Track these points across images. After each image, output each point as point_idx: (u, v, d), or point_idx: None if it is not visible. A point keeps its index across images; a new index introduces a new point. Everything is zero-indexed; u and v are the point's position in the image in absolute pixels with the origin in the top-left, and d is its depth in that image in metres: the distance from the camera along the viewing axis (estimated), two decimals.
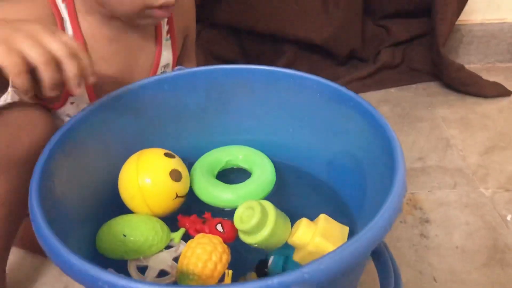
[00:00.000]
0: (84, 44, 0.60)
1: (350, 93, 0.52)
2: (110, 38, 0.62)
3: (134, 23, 0.61)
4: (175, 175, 0.52)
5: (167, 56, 0.68)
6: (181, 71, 0.60)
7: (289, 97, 0.59)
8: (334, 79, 1.18)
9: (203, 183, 0.58)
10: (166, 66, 0.69)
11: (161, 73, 0.69)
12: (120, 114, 0.56)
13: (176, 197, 0.53)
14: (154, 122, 0.59)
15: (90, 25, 0.60)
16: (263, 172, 0.60)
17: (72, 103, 0.63)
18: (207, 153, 0.63)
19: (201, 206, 0.58)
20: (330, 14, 1.09)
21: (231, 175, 0.63)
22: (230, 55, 1.18)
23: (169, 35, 0.68)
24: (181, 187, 0.53)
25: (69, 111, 0.63)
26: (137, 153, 0.54)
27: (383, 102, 1.10)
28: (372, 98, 1.10)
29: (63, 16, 0.58)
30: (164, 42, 0.67)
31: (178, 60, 0.74)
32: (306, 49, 1.17)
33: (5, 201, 0.55)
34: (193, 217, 0.55)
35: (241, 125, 0.63)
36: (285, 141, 0.62)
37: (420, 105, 1.08)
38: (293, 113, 0.59)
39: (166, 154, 0.53)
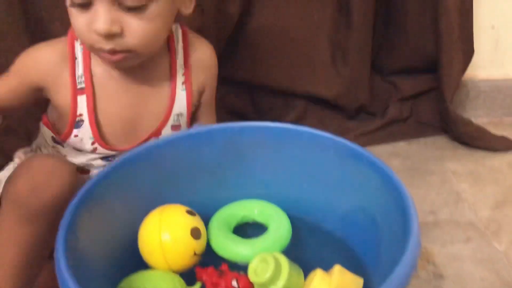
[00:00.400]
0: (91, 80, 0.65)
1: (363, 151, 0.54)
2: (119, 78, 0.66)
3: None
4: (195, 233, 0.54)
5: (180, 105, 0.70)
6: (199, 129, 0.62)
7: (303, 153, 0.61)
8: (343, 132, 1.21)
9: (220, 238, 0.60)
10: (179, 115, 0.70)
11: (175, 121, 0.70)
12: (140, 170, 0.58)
13: (194, 255, 0.54)
14: (172, 178, 0.61)
15: (100, 65, 0.65)
16: (279, 227, 0.61)
17: (76, 135, 0.66)
18: (223, 208, 0.64)
19: (218, 258, 0.58)
20: (338, 70, 1.13)
21: (247, 229, 0.64)
22: (242, 109, 1.21)
23: (184, 85, 0.70)
24: (200, 245, 0.55)
25: (75, 144, 0.67)
26: (159, 208, 0.56)
27: (393, 155, 1.11)
28: (382, 152, 1.12)
29: (76, 55, 0.64)
30: (178, 91, 0.69)
31: (198, 114, 0.76)
32: (316, 103, 1.20)
33: (26, 250, 0.57)
34: (210, 269, 0.55)
35: (256, 179, 0.65)
36: (300, 195, 0.63)
37: (429, 158, 1.10)
38: (307, 168, 0.61)
39: (187, 212, 0.55)
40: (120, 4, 0.56)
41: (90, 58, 0.65)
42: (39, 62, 0.64)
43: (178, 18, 0.72)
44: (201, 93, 0.74)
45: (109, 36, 0.57)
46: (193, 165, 0.63)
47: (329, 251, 0.60)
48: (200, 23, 1.06)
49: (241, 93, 1.22)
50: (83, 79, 0.65)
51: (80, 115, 0.65)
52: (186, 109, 0.71)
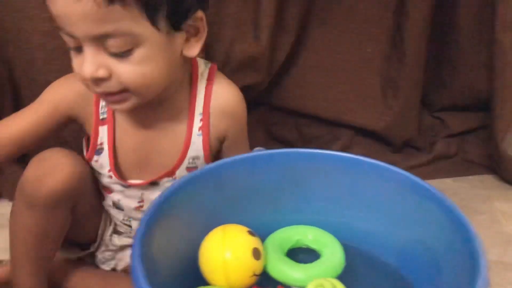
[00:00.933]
0: (113, 111, 0.67)
1: (427, 185, 0.54)
2: (138, 112, 0.66)
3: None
4: (256, 254, 0.55)
5: (196, 149, 0.69)
6: (260, 152, 0.64)
7: (362, 183, 0.62)
8: None
9: (274, 260, 0.60)
10: (195, 158, 0.69)
11: (190, 163, 0.69)
12: (204, 189, 0.60)
13: (253, 275, 0.55)
14: (231, 198, 0.63)
15: None
16: (332, 254, 0.61)
17: (96, 161, 0.69)
18: (278, 231, 0.65)
19: (270, 280, 0.59)
20: (389, 103, 1.14)
21: (299, 254, 0.65)
22: (287, 136, 1.23)
23: (200, 131, 0.68)
24: (259, 266, 0.56)
25: (96, 167, 0.70)
26: (221, 227, 0.57)
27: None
28: None
29: None
30: (195, 136, 0.68)
31: (223, 156, 0.73)
32: (362, 134, 1.21)
33: (32, 232, 0.65)
34: None
35: (312, 206, 0.65)
36: (356, 224, 0.63)
37: (477, 197, 1.08)
38: (365, 198, 0.62)
39: (249, 232, 0.56)
40: (106, 49, 0.55)
41: None
42: (70, 93, 0.66)
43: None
44: (221, 141, 0.72)
45: (96, 80, 0.56)
46: (251, 187, 0.64)
47: (384, 282, 0.60)
48: (255, 51, 1.10)
49: (287, 121, 1.24)
50: (106, 109, 0.67)
51: (101, 143, 0.68)
52: (203, 153, 0.70)
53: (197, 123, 0.68)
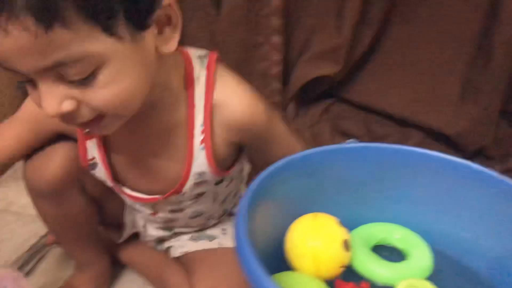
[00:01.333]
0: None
1: None
2: (131, 129, 0.59)
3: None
4: (346, 245, 0.54)
5: (201, 164, 0.63)
6: (355, 145, 0.63)
7: (457, 186, 0.60)
8: None
9: (360, 254, 0.59)
10: (201, 173, 0.64)
11: (197, 179, 0.64)
12: (296, 175, 0.59)
13: (341, 266, 0.54)
14: (321, 188, 0.62)
15: None
16: (421, 257, 0.60)
17: (93, 174, 0.68)
18: (363, 226, 0.64)
19: (352, 275, 0.58)
20: (467, 109, 1.10)
21: (382, 252, 0.63)
22: (354, 131, 1.21)
23: (203, 144, 0.61)
24: (348, 258, 0.55)
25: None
26: (312, 215, 0.57)
27: None
28: None
29: None
30: (197, 150, 0.62)
31: (267, 158, 0.64)
32: (433, 137, 1.17)
33: (53, 218, 0.69)
34: (351, 285, 0.55)
35: (401, 205, 0.64)
36: (445, 228, 0.61)
37: None
38: (459, 202, 0.60)
39: (339, 223, 0.56)
40: (64, 78, 0.46)
41: None
42: None
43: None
44: (238, 145, 0.64)
45: (64, 115, 0.48)
46: (342, 178, 0.63)
47: None
48: (336, 42, 1.08)
49: (356, 116, 1.22)
50: None
51: (93, 158, 0.65)
52: (209, 168, 0.63)
53: (198, 136, 0.60)
